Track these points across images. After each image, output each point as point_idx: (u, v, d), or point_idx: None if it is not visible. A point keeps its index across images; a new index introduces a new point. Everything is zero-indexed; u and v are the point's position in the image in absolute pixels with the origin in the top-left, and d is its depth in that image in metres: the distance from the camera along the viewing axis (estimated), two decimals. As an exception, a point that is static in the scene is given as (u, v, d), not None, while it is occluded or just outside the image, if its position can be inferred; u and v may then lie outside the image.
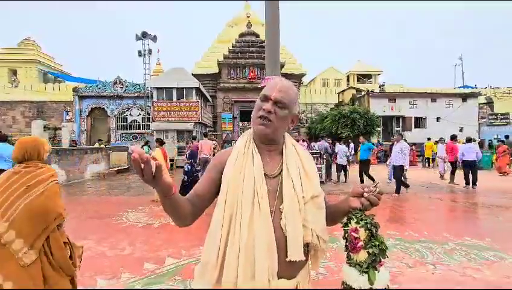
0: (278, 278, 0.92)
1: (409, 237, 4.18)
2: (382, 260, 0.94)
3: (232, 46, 21.71)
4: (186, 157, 7.71)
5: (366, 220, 0.96)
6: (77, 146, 14.23)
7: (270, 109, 0.99)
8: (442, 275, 2.98)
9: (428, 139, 15.45)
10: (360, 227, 0.95)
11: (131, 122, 18.43)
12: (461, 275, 2.98)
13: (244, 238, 0.90)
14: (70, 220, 5.31)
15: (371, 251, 0.92)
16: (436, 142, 13.97)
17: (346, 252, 1.00)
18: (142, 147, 12.58)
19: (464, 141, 10.21)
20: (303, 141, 12.12)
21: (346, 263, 0.99)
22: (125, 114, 18.39)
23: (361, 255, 0.94)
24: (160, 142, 6.88)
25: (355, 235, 0.95)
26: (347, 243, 1.00)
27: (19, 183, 1.69)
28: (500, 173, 11.42)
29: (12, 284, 1.55)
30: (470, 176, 8.55)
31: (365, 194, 0.98)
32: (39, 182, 1.73)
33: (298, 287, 0.97)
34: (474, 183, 8.52)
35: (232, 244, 0.91)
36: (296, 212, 0.95)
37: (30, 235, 1.63)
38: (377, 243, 0.93)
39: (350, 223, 0.99)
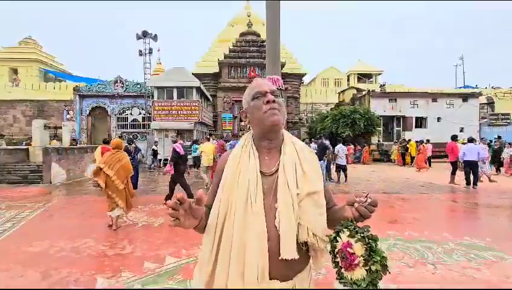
0: (271, 278, 0.91)
1: (409, 237, 4.18)
2: (383, 276, 0.82)
3: (233, 46, 21.71)
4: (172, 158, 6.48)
5: (362, 233, 0.84)
6: (78, 145, 14.24)
7: (274, 98, 1.03)
8: (442, 275, 2.98)
9: (409, 140, 16.54)
10: (355, 241, 0.84)
11: (131, 121, 18.44)
12: (461, 275, 2.98)
13: (236, 236, 0.91)
14: (71, 219, 5.34)
15: (373, 268, 0.81)
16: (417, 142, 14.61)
17: (335, 270, 0.90)
18: (191, 146, 11.98)
19: (465, 141, 10.22)
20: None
21: (339, 282, 0.88)
22: (125, 113, 18.38)
23: (358, 273, 0.82)
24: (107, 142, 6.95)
25: (351, 250, 0.84)
26: (337, 260, 0.89)
27: (115, 157, 4.57)
28: (417, 168, 13.26)
29: (116, 195, 4.47)
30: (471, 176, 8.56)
31: (356, 205, 0.90)
32: (123, 157, 4.67)
33: (294, 288, 0.96)
34: (475, 183, 8.51)
35: (225, 243, 0.93)
36: (289, 211, 0.93)
37: (121, 178, 4.50)
38: (378, 258, 0.81)
39: (340, 236, 0.88)
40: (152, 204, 6.39)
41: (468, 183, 8.59)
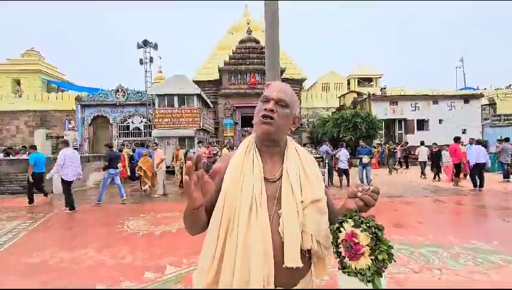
0: (276, 285, 0.89)
1: (414, 241, 4.10)
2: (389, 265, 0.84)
3: (233, 53, 21.85)
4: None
5: (367, 222, 0.86)
6: (79, 154, 14.26)
7: (272, 107, 0.99)
8: (449, 280, 2.91)
9: (406, 143, 17.57)
10: (361, 231, 0.85)
11: (133, 129, 18.50)
12: (468, 280, 2.90)
13: (241, 245, 0.89)
14: (71, 229, 5.31)
15: (380, 257, 0.82)
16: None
17: (338, 260, 0.91)
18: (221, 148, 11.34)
19: (467, 143, 10.15)
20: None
21: (343, 272, 0.88)
22: (127, 122, 18.46)
23: (362, 263, 0.84)
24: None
25: (356, 240, 0.85)
26: (339, 250, 0.90)
27: (146, 159, 8.78)
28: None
29: (147, 179, 8.68)
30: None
31: (359, 194, 0.92)
32: (149, 160, 8.84)
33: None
34: (481, 186, 8.42)
35: (229, 251, 0.90)
36: (293, 218, 0.92)
37: (150, 169, 8.64)
38: (385, 247, 0.83)
39: (343, 227, 0.89)
40: (153, 212, 6.35)
41: (475, 185, 8.49)
